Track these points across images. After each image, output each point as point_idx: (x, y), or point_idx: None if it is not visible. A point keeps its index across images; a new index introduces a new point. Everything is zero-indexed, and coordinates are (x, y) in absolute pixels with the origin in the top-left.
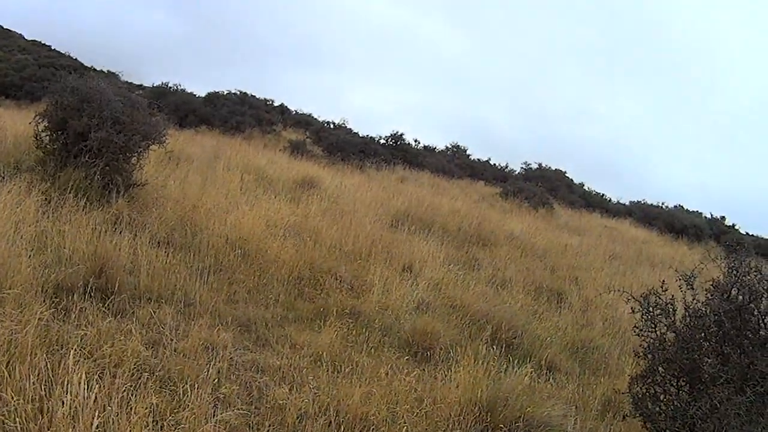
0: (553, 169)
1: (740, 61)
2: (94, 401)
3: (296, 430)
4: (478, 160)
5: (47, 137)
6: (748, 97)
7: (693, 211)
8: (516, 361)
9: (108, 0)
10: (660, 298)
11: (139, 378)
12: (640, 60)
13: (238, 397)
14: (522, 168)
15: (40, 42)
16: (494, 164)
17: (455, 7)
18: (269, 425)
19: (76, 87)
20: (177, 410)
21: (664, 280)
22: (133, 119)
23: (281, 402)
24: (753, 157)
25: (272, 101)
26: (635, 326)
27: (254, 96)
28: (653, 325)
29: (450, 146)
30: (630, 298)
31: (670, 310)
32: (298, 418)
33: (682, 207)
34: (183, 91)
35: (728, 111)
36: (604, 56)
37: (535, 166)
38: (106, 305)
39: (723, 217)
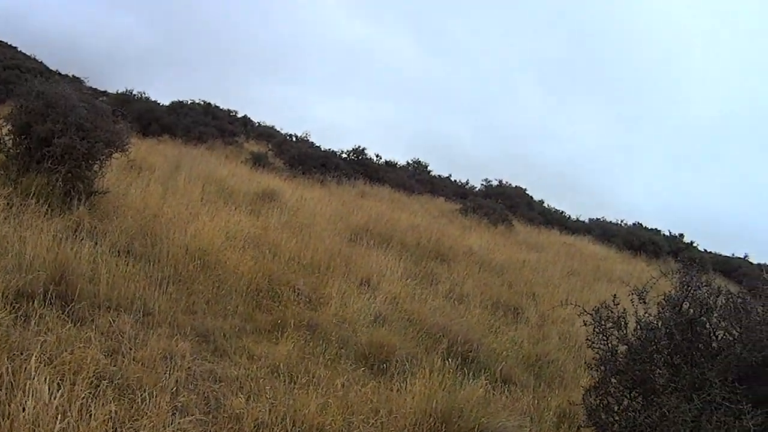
0: (513, 186)
1: (700, 80)
2: (55, 408)
3: None
4: (439, 176)
5: (10, 141)
6: (707, 117)
7: (652, 229)
8: (471, 374)
9: (75, 4)
10: (612, 312)
11: (98, 385)
12: (601, 78)
13: (195, 406)
14: (482, 184)
15: (5, 43)
16: (455, 180)
17: (420, 25)
18: None
19: (42, 91)
20: (135, 418)
21: (615, 294)
22: (96, 126)
23: (238, 411)
24: (710, 175)
25: (236, 112)
26: (587, 338)
27: (218, 107)
28: (605, 338)
29: (411, 162)
30: (583, 311)
31: (622, 323)
32: (254, 427)
33: (640, 224)
34: (147, 99)
35: (688, 129)
36: (566, 74)
37: (495, 182)
38: (66, 312)
39: (681, 235)
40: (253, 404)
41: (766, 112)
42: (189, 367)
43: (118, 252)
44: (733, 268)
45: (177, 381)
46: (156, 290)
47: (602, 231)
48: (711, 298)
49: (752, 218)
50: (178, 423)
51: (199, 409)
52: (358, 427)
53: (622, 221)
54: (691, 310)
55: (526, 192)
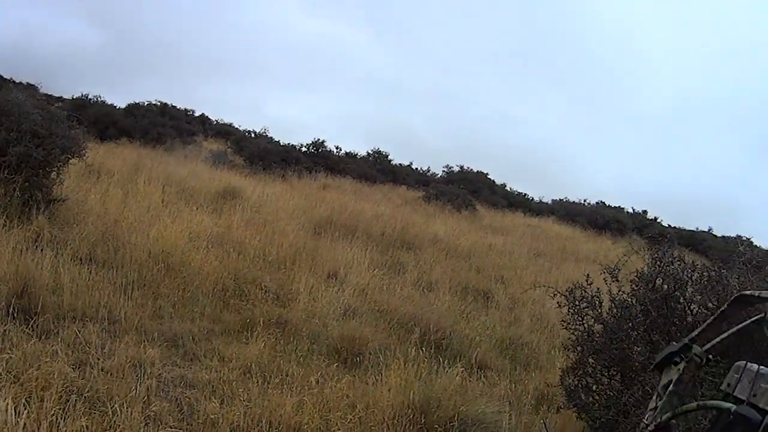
0: (475, 171)
1: (659, 62)
2: (24, 427)
3: None
4: (400, 165)
5: None
6: (668, 98)
7: (615, 207)
8: (446, 362)
9: (24, 12)
10: (586, 292)
11: (68, 400)
12: (558, 64)
13: (169, 415)
14: (444, 171)
15: None
16: (416, 168)
17: (377, 18)
18: None
19: None
20: (108, 431)
21: (588, 274)
22: (52, 132)
23: (213, 417)
24: (671, 154)
25: (193, 111)
26: (563, 320)
27: (175, 107)
28: (580, 318)
29: (372, 152)
30: (556, 293)
31: (597, 302)
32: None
33: (603, 203)
34: (103, 102)
35: (646, 111)
36: (523, 61)
37: (456, 168)
38: (30, 326)
39: (645, 211)
40: (228, 408)
41: (719, 95)
42: (159, 374)
43: (80, 260)
44: (698, 241)
45: (148, 389)
46: (121, 297)
47: (566, 211)
48: (684, 273)
49: (711, 194)
50: None
51: (173, 417)
52: (336, 424)
53: (585, 201)
54: (665, 286)
55: (488, 176)
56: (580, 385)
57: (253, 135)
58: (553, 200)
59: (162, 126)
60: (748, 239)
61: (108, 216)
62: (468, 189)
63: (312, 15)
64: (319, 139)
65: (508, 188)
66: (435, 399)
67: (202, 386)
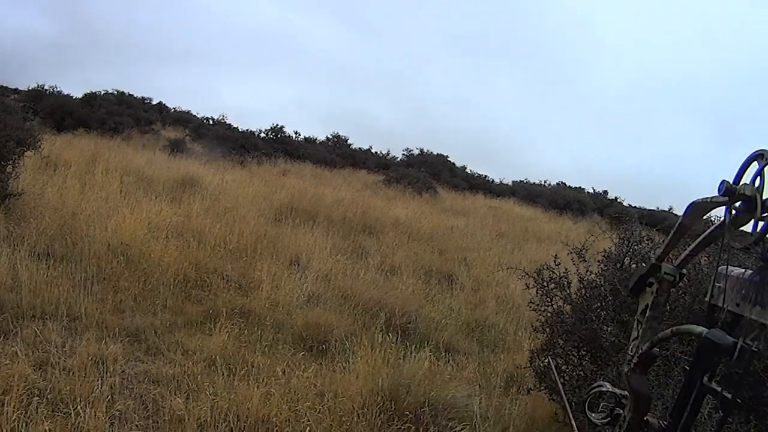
0: (435, 154)
1: (619, 45)
2: None
3: None
4: (360, 149)
5: None
6: (627, 80)
7: (576, 188)
8: (413, 347)
9: None
10: (554, 273)
11: (29, 403)
12: (520, 44)
13: (134, 413)
14: (404, 154)
15: None
16: (376, 152)
17: (337, 4)
18: None
19: None
20: None
21: (556, 255)
22: (6, 125)
23: (179, 413)
24: (630, 136)
25: (150, 100)
26: (531, 301)
27: (132, 95)
28: (549, 299)
29: (331, 136)
30: (524, 274)
31: (565, 283)
32: (198, 427)
33: (564, 184)
34: (59, 93)
35: (606, 92)
36: (484, 41)
37: (417, 152)
38: None
39: (605, 192)
40: (194, 403)
41: (677, 78)
42: (123, 371)
43: (38, 256)
44: (658, 220)
45: (112, 387)
46: (81, 292)
47: (527, 192)
48: (653, 252)
49: (669, 174)
50: None
51: (138, 415)
52: (305, 414)
53: (546, 182)
54: (634, 265)
55: (449, 159)
56: (550, 366)
57: (211, 122)
58: (513, 182)
59: (119, 115)
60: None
61: (65, 209)
62: (428, 172)
63: (268, 1)
64: (278, 125)
65: (468, 170)
66: (404, 385)
67: (167, 381)
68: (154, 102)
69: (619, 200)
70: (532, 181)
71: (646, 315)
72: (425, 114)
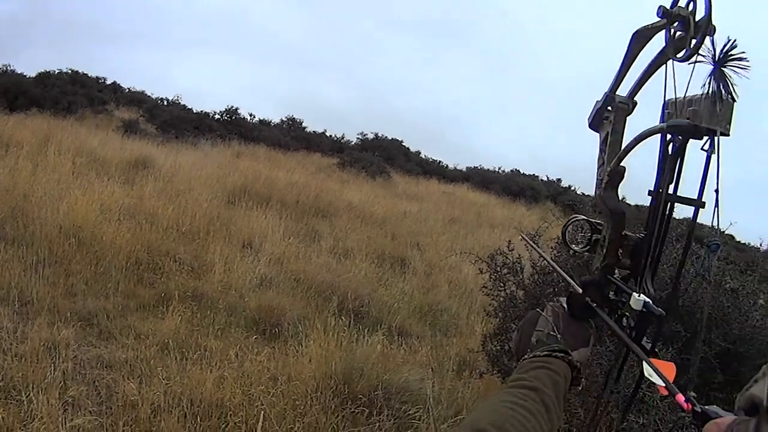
0: (390, 138)
1: (567, 33)
2: None
3: (152, 426)
4: (315, 132)
5: None
6: (573, 68)
7: (529, 175)
8: (366, 330)
9: None
10: (507, 258)
11: None
12: (477, 29)
13: (87, 399)
14: (358, 138)
15: None
16: (330, 135)
17: None
18: (123, 424)
19: None
20: (26, 421)
21: (510, 241)
22: None
23: (132, 398)
24: (578, 123)
25: (104, 80)
26: (484, 286)
27: (86, 75)
28: (502, 284)
29: (286, 119)
30: (477, 259)
31: (518, 268)
32: (152, 413)
33: (518, 171)
34: (13, 72)
35: (560, 79)
36: (441, 26)
37: (371, 136)
38: None
39: (559, 180)
40: (147, 388)
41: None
42: (75, 356)
43: None
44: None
45: (64, 373)
46: (32, 276)
47: (480, 178)
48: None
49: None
50: (71, 420)
51: (92, 401)
52: (259, 398)
53: (500, 169)
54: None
55: (403, 144)
56: (503, 350)
57: (165, 103)
58: (468, 168)
59: (73, 95)
60: None
61: (17, 190)
62: (383, 156)
63: None
64: (232, 107)
65: (422, 156)
66: (357, 368)
67: (120, 366)
68: (108, 82)
69: (572, 188)
70: (486, 167)
71: (608, 141)
72: (380, 97)
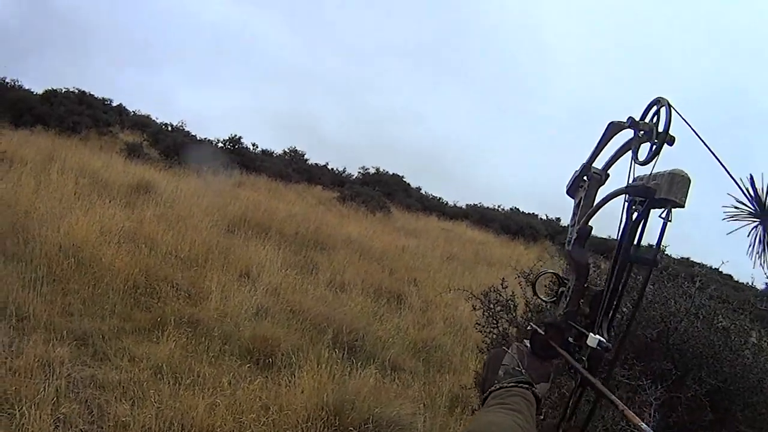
0: (390, 173)
1: (567, 67)
2: None
3: None
4: (316, 164)
5: None
6: (573, 101)
7: (529, 213)
8: (360, 364)
9: None
10: (500, 295)
11: None
12: (473, 61)
13: (79, 417)
14: (359, 172)
15: None
16: (332, 169)
17: (292, 12)
18: None
19: None
20: None
21: (504, 278)
22: None
23: (124, 419)
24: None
25: (110, 101)
26: (477, 323)
27: (93, 95)
28: (495, 321)
29: (288, 150)
30: (471, 296)
31: (511, 306)
32: None
33: (518, 209)
34: (21, 87)
35: (554, 116)
36: (438, 56)
37: (372, 170)
38: None
39: (558, 219)
40: (139, 410)
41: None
42: (69, 374)
43: None
44: (608, 248)
45: (57, 390)
46: (30, 292)
47: (480, 216)
48: (600, 278)
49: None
50: None
51: (83, 419)
52: (249, 426)
53: (499, 206)
54: None
55: (403, 179)
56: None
57: (170, 128)
58: (467, 205)
59: (79, 114)
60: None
61: (19, 206)
62: (383, 191)
63: (230, 4)
64: (236, 135)
65: (423, 192)
66: (349, 401)
67: (113, 387)
68: (114, 103)
69: None
70: (485, 205)
71: (581, 205)
72: (380, 128)
